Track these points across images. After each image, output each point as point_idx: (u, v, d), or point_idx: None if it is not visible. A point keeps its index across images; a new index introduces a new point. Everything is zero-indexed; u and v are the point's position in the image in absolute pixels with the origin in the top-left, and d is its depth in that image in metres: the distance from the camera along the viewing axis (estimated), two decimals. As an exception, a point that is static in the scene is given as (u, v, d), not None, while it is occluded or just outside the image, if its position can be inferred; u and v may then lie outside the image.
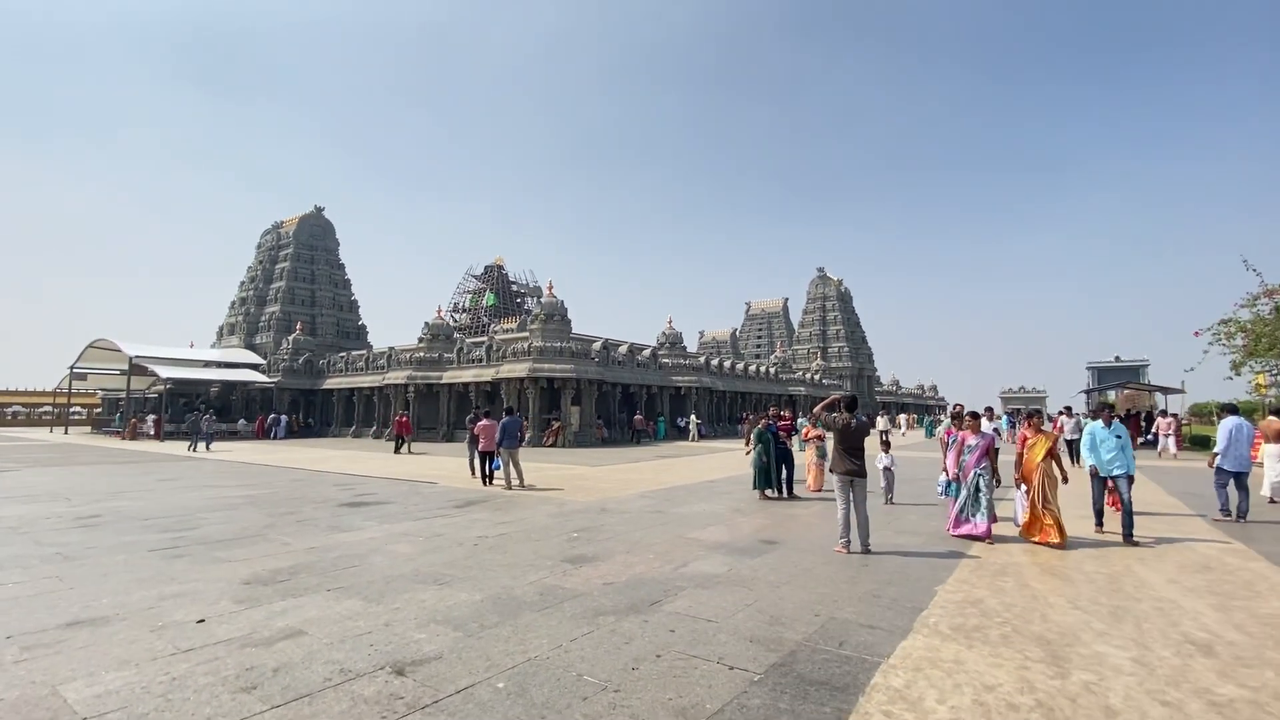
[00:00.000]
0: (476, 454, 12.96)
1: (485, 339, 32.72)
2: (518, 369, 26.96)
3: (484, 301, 59.79)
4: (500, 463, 12.46)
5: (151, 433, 33.94)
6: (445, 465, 17.19)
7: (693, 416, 32.53)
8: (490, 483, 12.66)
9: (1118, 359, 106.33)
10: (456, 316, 61.42)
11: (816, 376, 56.48)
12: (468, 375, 30.47)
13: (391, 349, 35.62)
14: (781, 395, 48.90)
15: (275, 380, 37.88)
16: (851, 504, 6.54)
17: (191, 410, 40.78)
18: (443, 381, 31.36)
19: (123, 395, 48.34)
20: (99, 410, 53.56)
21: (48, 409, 63.93)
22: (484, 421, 12.77)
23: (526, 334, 29.63)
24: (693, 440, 30.54)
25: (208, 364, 39.57)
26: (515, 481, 12.26)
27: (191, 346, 48.55)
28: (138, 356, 34.84)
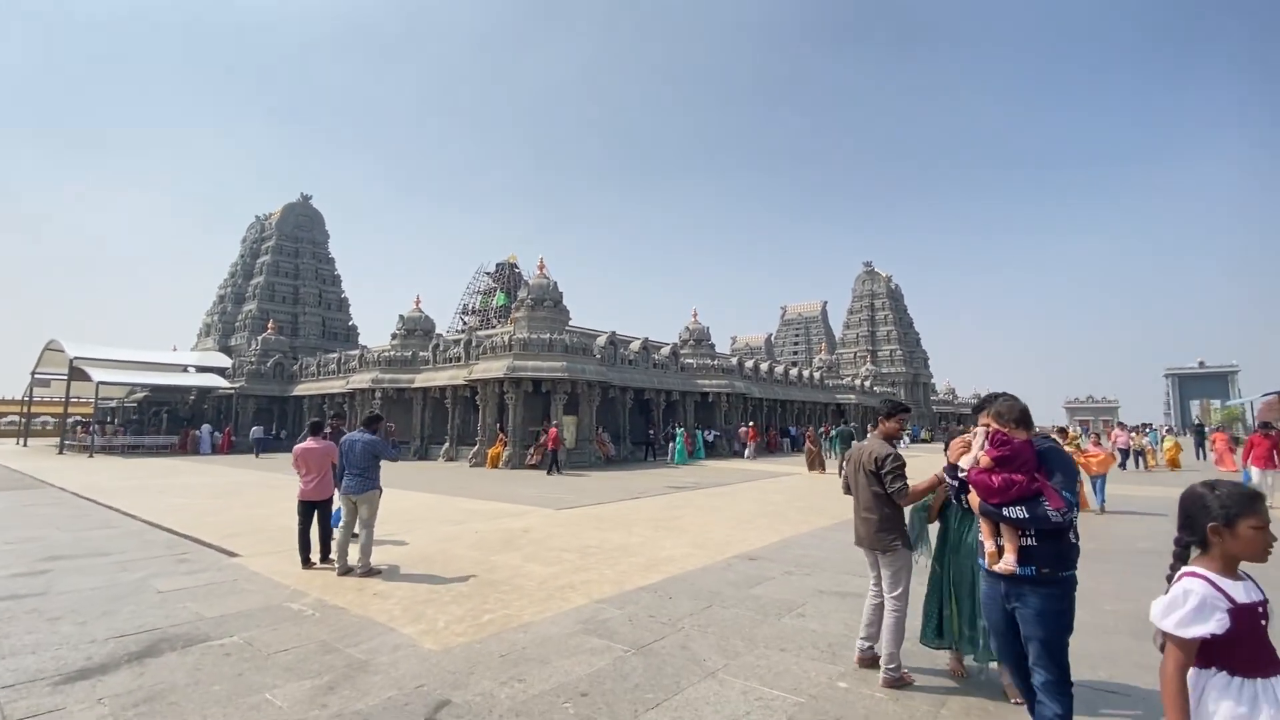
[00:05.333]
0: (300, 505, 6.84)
1: (464, 333, 26.95)
2: (494, 368, 20.97)
3: (494, 302, 54.64)
4: (340, 519, 6.41)
5: (95, 444, 28.98)
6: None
7: (841, 430, 20.91)
8: (321, 560, 6.57)
9: (1202, 364, 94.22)
10: (466, 319, 56.39)
11: (866, 383, 49.22)
12: (442, 377, 24.66)
13: (364, 348, 30.20)
14: (828, 404, 41.99)
15: (238, 386, 32.81)
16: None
17: (137, 418, 36.26)
18: (415, 385, 25.63)
19: (113, 401, 44.61)
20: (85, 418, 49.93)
21: (45, 418, 61.09)
22: (307, 442, 6.67)
23: (511, 326, 23.74)
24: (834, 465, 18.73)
25: (160, 367, 34.77)
26: (358, 561, 6.16)
27: (175, 350, 44.41)
28: (78, 358, 30.15)
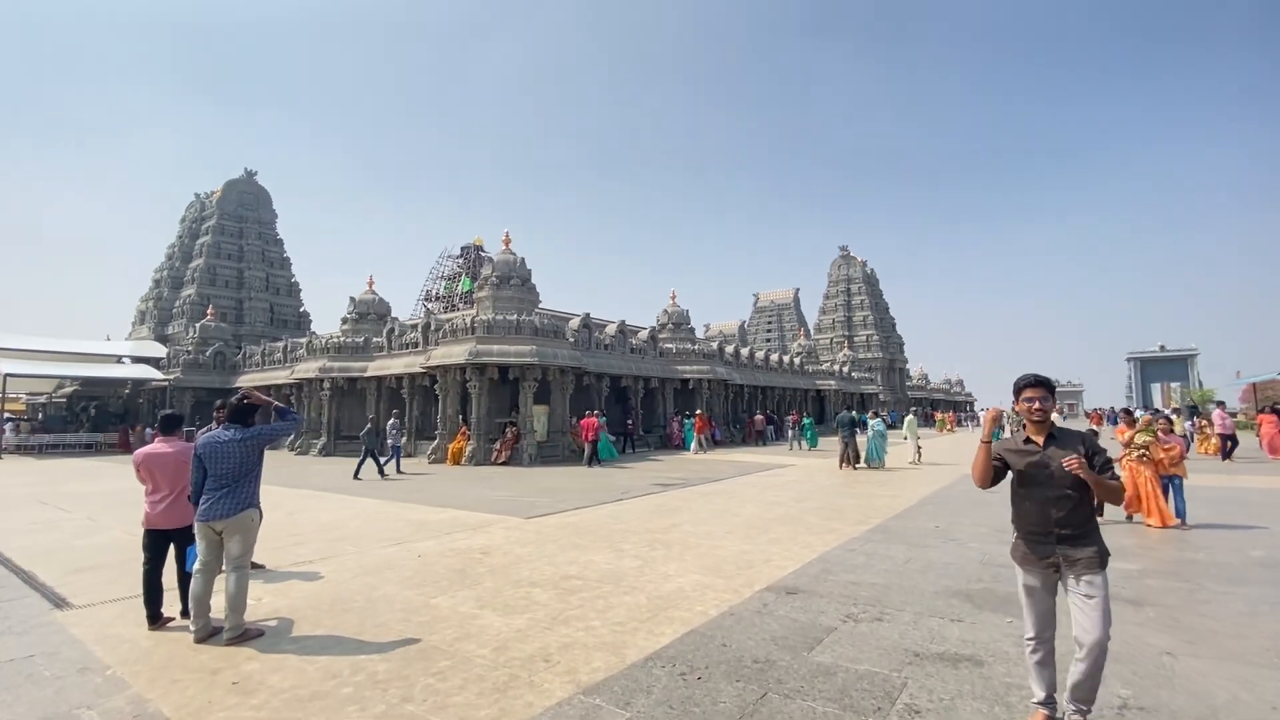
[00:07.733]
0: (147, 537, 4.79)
1: (423, 317, 24.63)
2: (455, 353, 18.80)
3: (459, 287, 51.95)
4: (197, 558, 4.35)
5: (6, 444, 25.83)
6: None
7: (911, 420, 18.78)
8: (183, 614, 4.55)
9: (1162, 348, 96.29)
10: (430, 305, 53.65)
11: (845, 368, 48.21)
12: (398, 365, 22.38)
13: (313, 334, 27.63)
14: (808, 390, 40.73)
15: (173, 377, 29.83)
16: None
17: (85, 415, 33.00)
18: (368, 374, 23.25)
19: (42, 397, 40.92)
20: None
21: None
22: (154, 444, 4.62)
23: (474, 309, 21.57)
24: (914, 456, 17.07)
25: (85, 357, 31.49)
26: (226, 619, 4.17)
27: (108, 340, 40.85)
28: (-17, 348, 26.85)
